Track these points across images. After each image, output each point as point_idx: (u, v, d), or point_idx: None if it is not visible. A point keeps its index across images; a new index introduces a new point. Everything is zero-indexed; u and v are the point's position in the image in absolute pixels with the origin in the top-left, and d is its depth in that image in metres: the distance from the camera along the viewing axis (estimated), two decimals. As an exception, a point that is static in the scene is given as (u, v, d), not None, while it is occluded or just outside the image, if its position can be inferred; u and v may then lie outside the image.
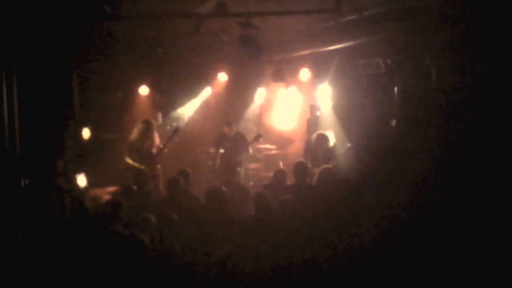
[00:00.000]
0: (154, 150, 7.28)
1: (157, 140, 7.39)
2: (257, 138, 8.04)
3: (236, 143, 7.84)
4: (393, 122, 7.02)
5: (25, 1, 5.08)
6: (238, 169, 6.92)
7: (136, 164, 7.10)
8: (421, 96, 6.06)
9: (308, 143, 7.57)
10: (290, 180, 6.12)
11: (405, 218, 4.32)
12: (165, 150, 7.42)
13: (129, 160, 7.18)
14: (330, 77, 8.04)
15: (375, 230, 4.03)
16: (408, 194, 4.93)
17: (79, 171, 6.65)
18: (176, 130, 7.71)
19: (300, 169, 5.80)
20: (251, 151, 8.10)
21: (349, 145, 7.55)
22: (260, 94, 9.12)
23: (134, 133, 7.32)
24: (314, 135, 7.34)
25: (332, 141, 7.36)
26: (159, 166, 7.46)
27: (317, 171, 5.99)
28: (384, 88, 7.35)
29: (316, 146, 7.16)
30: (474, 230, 4.10)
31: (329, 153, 7.11)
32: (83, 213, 5.11)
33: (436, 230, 4.11)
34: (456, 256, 3.81)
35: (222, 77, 8.77)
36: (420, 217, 4.35)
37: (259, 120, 9.30)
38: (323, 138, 7.17)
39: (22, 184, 5.17)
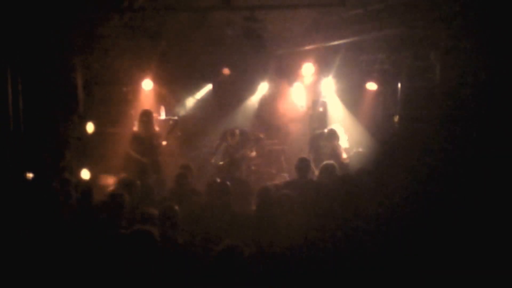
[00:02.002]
0: (155, 142, 7.33)
1: (157, 129, 7.49)
2: (257, 141, 8.09)
3: (240, 138, 7.86)
4: (396, 118, 7.00)
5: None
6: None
7: (138, 156, 7.12)
8: (425, 92, 6.04)
9: (313, 138, 7.56)
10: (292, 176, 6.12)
11: (407, 214, 4.31)
12: (166, 142, 7.48)
13: (131, 152, 7.21)
14: (335, 72, 8.01)
15: (376, 226, 4.02)
16: (410, 190, 4.91)
17: (83, 165, 6.67)
18: (176, 122, 7.77)
19: (303, 165, 5.78)
20: (254, 153, 8.09)
21: (359, 149, 7.58)
22: (263, 88, 9.10)
23: (136, 125, 7.45)
24: (326, 130, 7.38)
25: (342, 136, 7.38)
26: (160, 159, 7.49)
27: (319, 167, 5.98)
28: (388, 83, 7.33)
29: (326, 142, 7.21)
30: (476, 228, 4.08)
31: (337, 150, 7.13)
32: (88, 203, 5.13)
33: (436, 227, 4.11)
34: (456, 254, 3.80)
35: (226, 71, 8.74)
36: (422, 213, 4.34)
37: (261, 114, 9.27)
38: (333, 134, 7.23)
39: (27, 178, 5.20)
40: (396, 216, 4.25)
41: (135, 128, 7.49)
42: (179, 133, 8.23)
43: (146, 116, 7.38)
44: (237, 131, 7.97)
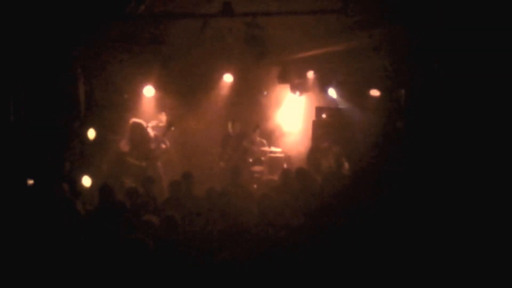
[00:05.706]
0: (152, 146, 7.32)
1: (152, 134, 7.48)
2: (255, 129, 8.07)
3: (240, 143, 7.83)
4: (400, 124, 6.98)
5: (31, 2, 5.09)
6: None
7: (137, 162, 7.10)
8: (428, 98, 6.01)
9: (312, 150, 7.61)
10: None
11: (412, 222, 4.26)
12: (164, 146, 7.49)
13: (130, 159, 7.19)
14: (337, 79, 7.99)
15: (377, 233, 3.98)
16: (416, 196, 4.87)
17: (84, 172, 6.66)
18: (170, 125, 7.79)
19: (301, 175, 5.81)
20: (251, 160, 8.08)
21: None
22: (264, 95, 9.09)
23: (128, 138, 7.42)
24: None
25: None
26: (159, 163, 7.47)
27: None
28: (391, 90, 7.31)
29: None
30: (481, 232, 4.04)
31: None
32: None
33: (442, 233, 4.07)
34: (457, 257, 3.76)
35: (228, 78, 8.71)
36: (427, 221, 4.29)
37: (263, 121, 9.24)
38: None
39: (28, 184, 5.20)
40: (397, 220, 4.22)
41: (129, 139, 7.42)
42: (181, 141, 8.24)
43: (139, 129, 7.36)
44: (236, 119, 8.04)
